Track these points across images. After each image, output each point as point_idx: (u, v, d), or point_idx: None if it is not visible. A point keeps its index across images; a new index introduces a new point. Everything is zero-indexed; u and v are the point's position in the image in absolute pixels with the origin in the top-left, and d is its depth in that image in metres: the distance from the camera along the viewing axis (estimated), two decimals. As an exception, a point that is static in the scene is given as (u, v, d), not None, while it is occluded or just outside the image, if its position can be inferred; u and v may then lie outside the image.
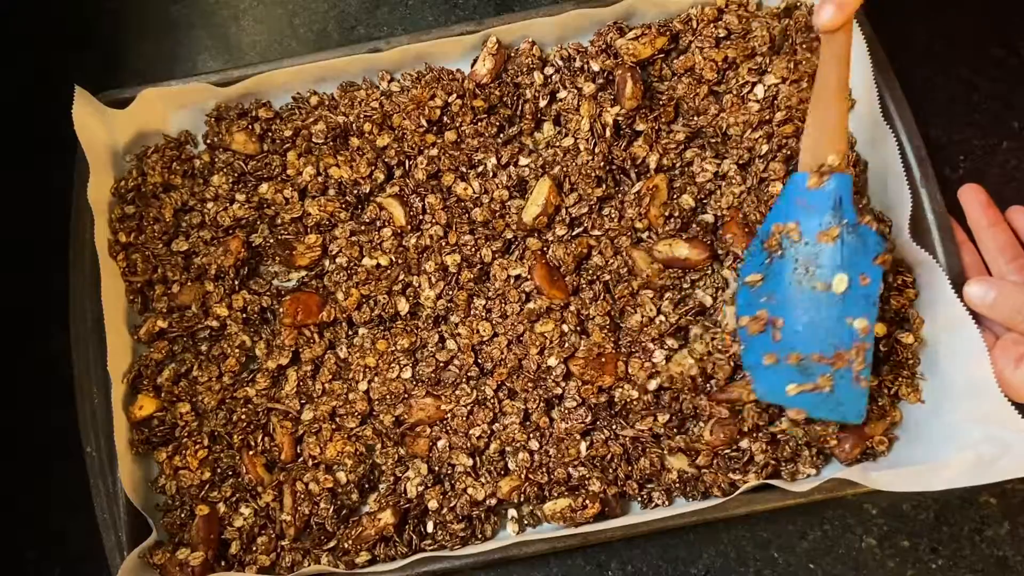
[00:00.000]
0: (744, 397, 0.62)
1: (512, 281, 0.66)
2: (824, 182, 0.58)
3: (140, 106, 0.69)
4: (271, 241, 0.68)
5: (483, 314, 0.65)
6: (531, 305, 0.64)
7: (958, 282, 0.62)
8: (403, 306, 0.66)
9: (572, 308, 0.64)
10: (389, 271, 0.67)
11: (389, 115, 0.69)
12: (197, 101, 0.71)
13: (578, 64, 0.71)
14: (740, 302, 0.61)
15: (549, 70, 0.71)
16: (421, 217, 0.68)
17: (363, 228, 0.68)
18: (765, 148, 0.68)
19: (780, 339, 0.58)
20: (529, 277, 0.65)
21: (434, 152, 0.69)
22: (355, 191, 0.68)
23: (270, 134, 0.71)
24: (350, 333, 0.66)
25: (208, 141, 0.71)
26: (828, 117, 0.59)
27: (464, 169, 0.69)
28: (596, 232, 0.67)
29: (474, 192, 0.68)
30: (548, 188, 0.66)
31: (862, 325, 0.57)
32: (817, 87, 0.59)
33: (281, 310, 0.65)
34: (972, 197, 0.67)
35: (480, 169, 0.69)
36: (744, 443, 0.61)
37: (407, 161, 0.69)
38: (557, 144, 0.69)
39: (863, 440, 0.61)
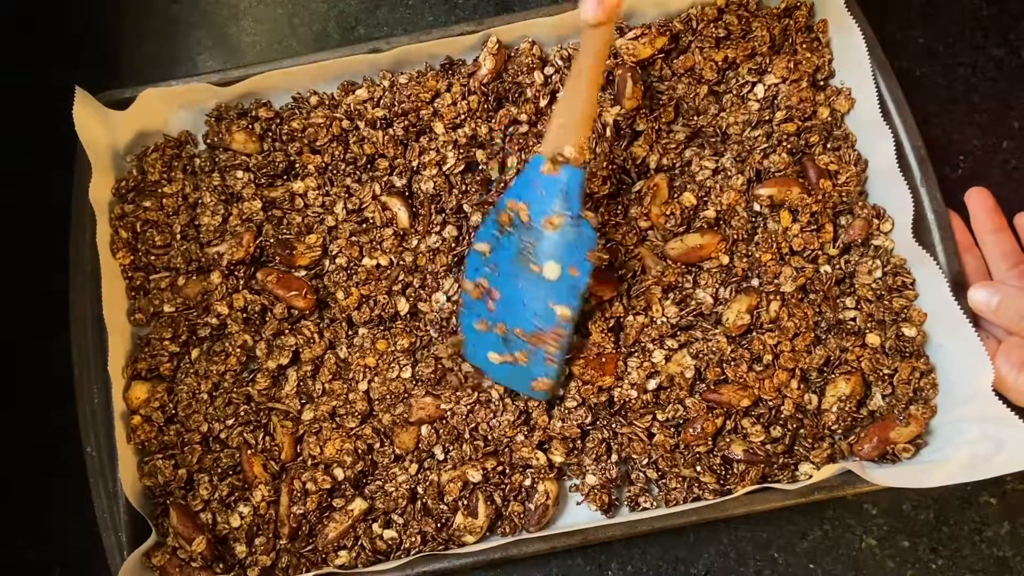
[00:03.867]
0: (734, 403, 0.62)
1: None
2: (557, 171, 0.59)
3: (140, 106, 0.69)
4: (271, 240, 0.68)
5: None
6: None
7: (958, 282, 0.62)
8: (403, 306, 0.66)
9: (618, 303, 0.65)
10: (389, 271, 0.67)
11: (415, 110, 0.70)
12: (197, 101, 0.71)
13: (578, 64, 0.71)
14: (468, 265, 0.63)
15: (549, 70, 0.71)
16: (433, 218, 0.68)
17: (363, 228, 0.68)
18: (765, 145, 0.68)
19: (493, 309, 0.61)
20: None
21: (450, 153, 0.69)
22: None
23: (269, 134, 0.71)
24: (350, 333, 0.66)
25: (208, 141, 0.71)
26: (575, 108, 0.59)
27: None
28: (614, 233, 0.67)
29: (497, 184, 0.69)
30: None
31: (563, 312, 0.60)
32: (572, 77, 0.59)
33: (260, 276, 0.66)
34: (978, 201, 0.67)
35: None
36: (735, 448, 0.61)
37: (412, 160, 0.69)
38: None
39: (884, 444, 0.61)
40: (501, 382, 0.63)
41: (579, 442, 0.63)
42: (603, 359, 0.63)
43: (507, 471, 0.62)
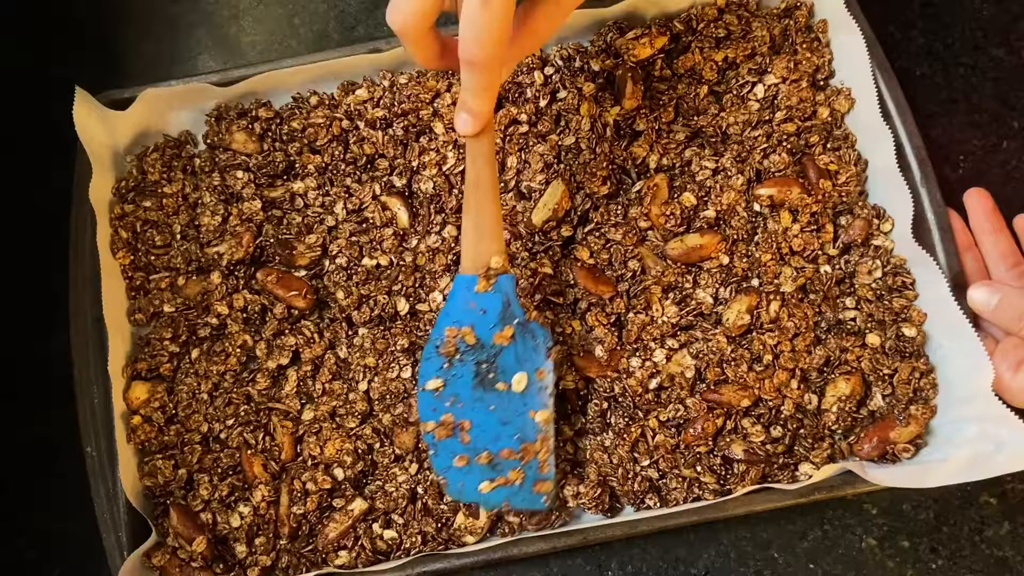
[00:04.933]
0: (734, 403, 0.62)
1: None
2: (492, 285, 0.58)
3: (140, 106, 0.69)
4: (271, 240, 0.68)
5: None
6: (582, 304, 0.65)
7: (957, 282, 0.62)
8: (403, 306, 0.66)
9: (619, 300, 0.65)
10: (389, 271, 0.67)
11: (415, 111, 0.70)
12: (197, 101, 0.71)
13: (578, 64, 0.71)
14: (422, 407, 0.59)
15: (549, 70, 0.71)
16: (433, 218, 0.68)
17: (363, 228, 0.68)
18: (765, 145, 0.68)
19: (469, 441, 0.58)
20: (573, 283, 0.65)
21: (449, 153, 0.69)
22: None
23: (269, 134, 0.71)
24: (350, 333, 0.66)
25: (208, 141, 0.71)
26: (484, 217, 0.57)
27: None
28: (615, 234, 0.67)
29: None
30: (561, 192, 0.66)
31: (543, 417, 0.58)
32: (468, 189, 0.57)
33: (260, 276, 0.66)
34: (977, 201, 0.67)
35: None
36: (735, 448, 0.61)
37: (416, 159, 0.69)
38: (559, 143, 0.69)
39: (884, 444, 0.61)
40: (499, 507, 0.59)
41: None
42: (608, 355, 0.63)
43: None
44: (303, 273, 0.68)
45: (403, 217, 0.68)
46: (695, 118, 0.70)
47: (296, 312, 0.66)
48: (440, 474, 0.59)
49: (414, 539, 0.61)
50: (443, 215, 0.68)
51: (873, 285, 0.65)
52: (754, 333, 0.64)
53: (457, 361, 0.58)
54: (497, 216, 0.58)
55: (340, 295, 0.66)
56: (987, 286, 0.60)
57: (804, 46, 0.70)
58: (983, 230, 0.66)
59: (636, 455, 0.62)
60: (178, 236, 0.68)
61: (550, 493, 0.59)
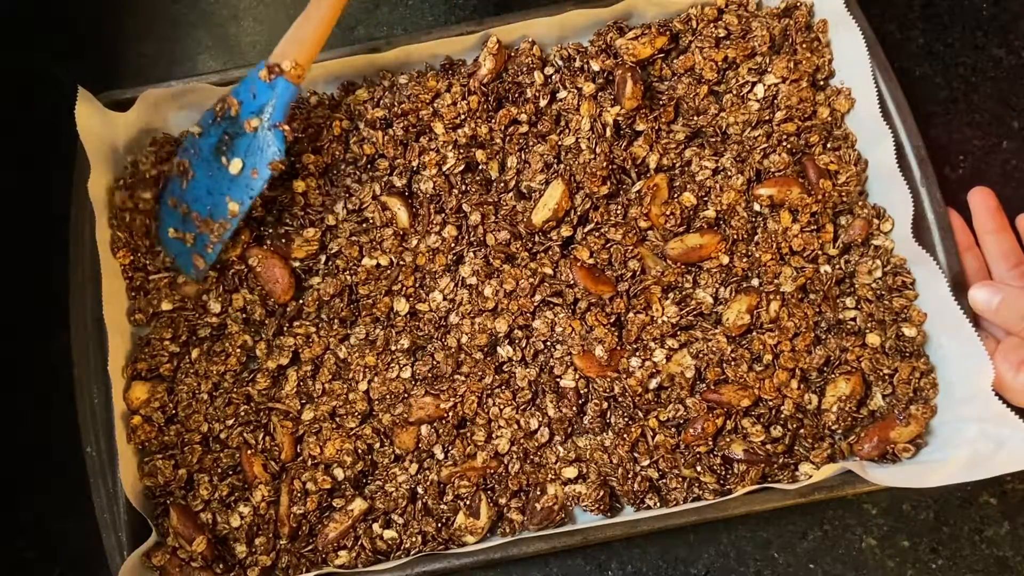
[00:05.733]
0: (734, 402, 0.62)
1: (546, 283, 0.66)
2: (271, 80, 0.64)
3: (140, 106, 0.69)
4: (270, 230, 0.68)
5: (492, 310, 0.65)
6: (582, 304, 0.65)
7: (958, 282, 0.62)
8: (402, 306, 0.66)
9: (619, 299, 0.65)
10: (389, 271, 0.67)
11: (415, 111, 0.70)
12: (197, 101, 0.71)
13: (578, 64, 0.71)
14: (185, 145, 0.67)
15: (549, 70, 0.71)
16: (433, 218, 0.68)
17: (363, 228, 0.68)
18: (765, 145, 0.68)
19: (185, 188, 0.66)
20: (573, 283, 0.65)
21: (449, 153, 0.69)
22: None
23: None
24: (349, 333, 0.66)
25: (208, 141, 0.71)
26: (311, 26, 0.64)
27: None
28: (615, 234, 0.67)
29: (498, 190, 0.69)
30: (561, 193, 0.66)
31: (233, 208, 0.65)
32: None
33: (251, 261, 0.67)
34: (980, 201, 0.67)
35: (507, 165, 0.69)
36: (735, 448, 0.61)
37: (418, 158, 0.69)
38: (559, 143, 0.69)
39: (884, 444, 0.61)
40: (173, 255, 0.67)
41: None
42: (608, 355, 0.63)
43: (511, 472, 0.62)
44: (297, 265, 0.67)
45: (403, 217, 0.68)
46: (695, 118, 0.70)
47: (278, 306, 0.66)
48: (159, 206, 0.68)
49: (414, 539, 0.61)
50: (443, 215, 0.68)
51: (873, 285, 0.65)
52: (754, 333, 0.64)
53: (217, 123, 0.66)
54: (324, 32, 0.64)
55: (335, 293, 0.66)
56: (989, 286, 0.60)
57: (804, 46, 0.70)
58: (986, 229, 0.66)
59: (636, 455, 0.62)
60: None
61: (201, 270, 0.66)
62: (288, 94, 0.64)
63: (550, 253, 0.67)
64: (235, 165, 0.64)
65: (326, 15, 0.64)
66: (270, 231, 0.68)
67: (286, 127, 0.64)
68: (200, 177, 0.66)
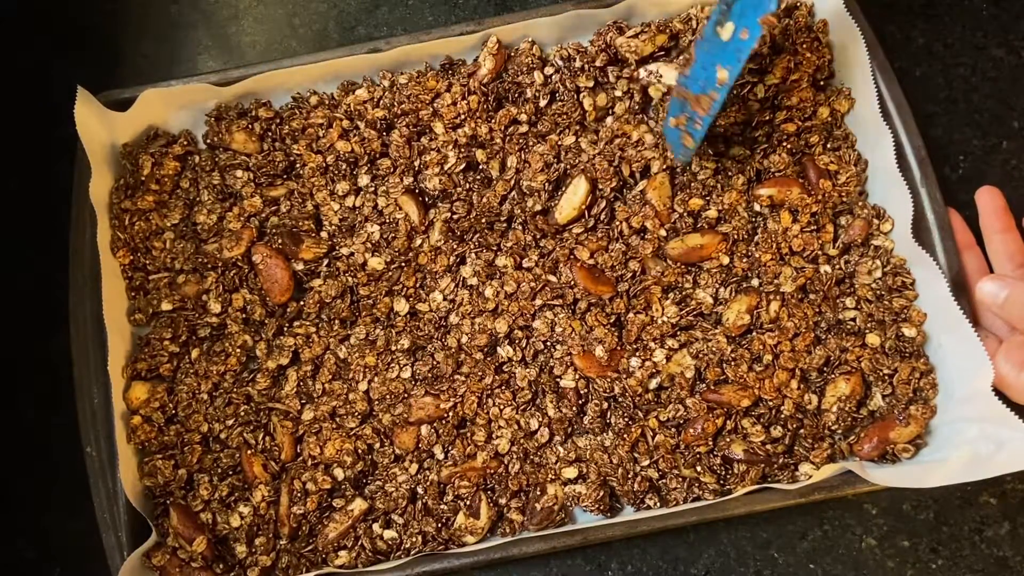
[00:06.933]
0: (734, 403, 0.62)
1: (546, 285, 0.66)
2: None
3: (140, 106, 0.69)
4: (277, 228, 0.68)
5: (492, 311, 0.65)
6: (582, 304, 0.65)
7: (957, 282, 0.62)
8: (402, 306, 0.66)
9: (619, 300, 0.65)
10: (389, 271, 0.67)
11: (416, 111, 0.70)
12: (197, 101, 0.71)
13: (578, 64, 0.71)
14: (696, 39, 0.62)
15: (549, 70, 0.71)
16: (435, 217, 0.68)
17: (365, 227, 0.68)
18: (765, 145, 0.68)
19: (688, 75, 0.61)
20: (574, 283, 0.65)
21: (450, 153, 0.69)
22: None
23: (269, 134, 0.71)
24: (349, 333, 0.66)
25: (208, 141, 0.71)
26: None
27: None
28: (625, 232, 0.67)
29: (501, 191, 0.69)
30: (586, 190, 0.66)
31: (721, 75, 0.59)
32: None
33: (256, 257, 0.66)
34: (988, 200, 0.67)
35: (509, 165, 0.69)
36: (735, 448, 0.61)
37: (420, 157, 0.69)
38: (559, 143, 0.69)
39: (884, 444, 0.61)
40: (670, 142, 0.66)
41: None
42: (608, 355, 0.63)
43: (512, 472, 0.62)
44: (301, 267, 0.67)
45: (410, 215, 0.68)
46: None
47: (278, 308, 0.66)
48: (670, 103, 0.64)
49: (414, 539, 0.61)
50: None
51: (873, 285, 0.65)
52: (754, 333, 0.64)
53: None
54: None
55: (336, 294, 0.66)
56: (998, 279, 0.60)
57: (804, 46, 0.70)
58: (992, 229, 0.66)
59: (636, 455, 0.62)
60: (177, 229, 0.68)
61: (688, 148, 0.64)
62: None
63: (553, 256, 0.66)
64: (727, 30, 0.58)
65: None
66: (277, 230, 0.68)
67: None
68: (699, 57, 0.61)
